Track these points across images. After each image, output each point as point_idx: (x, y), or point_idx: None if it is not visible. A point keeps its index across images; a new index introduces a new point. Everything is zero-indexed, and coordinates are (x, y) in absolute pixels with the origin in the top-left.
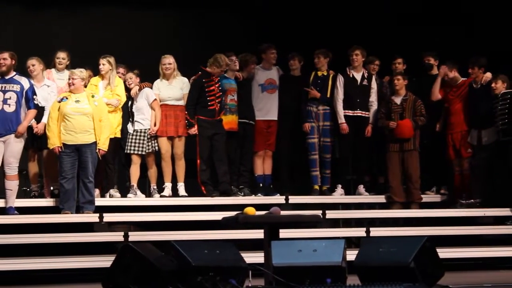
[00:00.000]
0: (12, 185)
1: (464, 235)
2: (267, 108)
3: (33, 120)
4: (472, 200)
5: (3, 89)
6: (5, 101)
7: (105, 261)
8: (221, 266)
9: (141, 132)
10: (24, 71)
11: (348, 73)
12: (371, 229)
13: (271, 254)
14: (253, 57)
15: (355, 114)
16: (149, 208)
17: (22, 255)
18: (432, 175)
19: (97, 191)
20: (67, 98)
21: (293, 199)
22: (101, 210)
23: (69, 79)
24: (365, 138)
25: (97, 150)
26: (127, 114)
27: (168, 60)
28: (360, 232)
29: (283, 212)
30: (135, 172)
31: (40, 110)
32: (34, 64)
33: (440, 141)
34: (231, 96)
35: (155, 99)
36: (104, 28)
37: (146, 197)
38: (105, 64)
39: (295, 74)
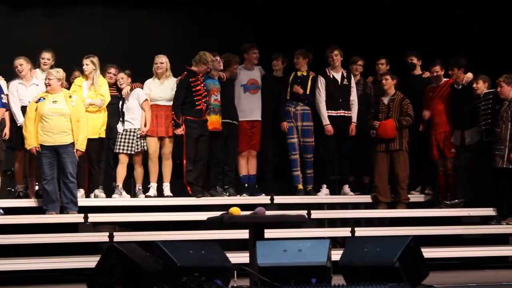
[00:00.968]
0: None
1: (449, 235)
2: (250, 109)
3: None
4: (457, 200)
5: None
6: None
7: (90, 262)
8: (206, 266)
9: (131, 131)
10: (11, 71)
11: (328, 73)
12: (356, 229)
13: (256, 254)
14: (236, 57)
15: (338, 114)
16: (134, 209)
17: (6, 255)
18: (417, 175)
19: (82, 192)
20: (44, 99)
21: (278, 199)
22: (86, 210)
23: (46, 79)
24: (349, 138)
25: (75, 151)
26: (118, 114)
27: (160, 60)
28: (345, 232)
29: (268, 212)
30: (121, 172)
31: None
32: (22, 63)
33: (424, 141)
34: (214, 96)
35: (146, 100)
36: (94, 28)
37: (131, 197)
38: (88, 64)
39: (277, 75)
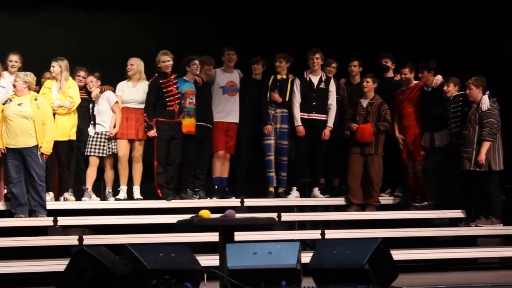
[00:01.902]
0: None
1: (418, 237)
2: (227, 111)
3: None
4: (426, 203)
5: None
6: None
7: (59, 265)
8: (176, 269)
9: (102, 134)
10: None
11: (305, 76)
12: (326, 231)
13: (226, 257)
14: (211, 59)
15: (310, 117)
16: (104, 212)
17: None
18: (387, 177)
19: (51, 195)
20: (11, 101)
21: (249, 202)
22: (55, 213)
23: (14, 81)
24: (321, 141)
25: (40, 154)
26: (88, 117)
27: (131, 62)
28: (315, 234)
29: (238, 215)
30: (91, 174)
31: None
32: None
33: (394, 143)
34: (189, 99)
35: (117, 102)
36: (64, 30)
37: (101, 200)
38: (55, 66)
39: (256, 78)
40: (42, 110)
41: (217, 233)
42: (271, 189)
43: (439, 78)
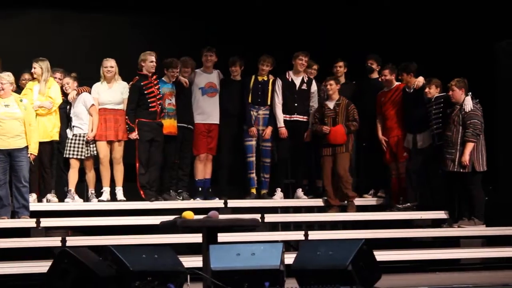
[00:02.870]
0: None
1: (401, 238)
2: (208, 112)
3: None
4: (409, 204)
5: None
6: None
7: (42, 267)
8: (159, 271)
9: (79, 136)
10: None
11: (287, 77)
12: (309, 232)
13: (210, 258)
14: (188, 61)
15: (292, 119)
16: (87, 213)
17: None
18: (370, 178)
19: (34, 196)
20: None
21: (232, 203)
22: (38, 215)
23: None
24: (303, 142)
25: (29, 155)
26: (65, 119)
27: (110, 63)
28: (298, 235)
29: (221, 216)
30: (73, 176)
31: None
32: None
33: (377, 144)
34: (168, 100)
35: (93, 104)
36: (41, 31)
37: (84, 201)
38: (36, 67)
39: (236, 79)
40: (28, 111)
41: (201, 234)
42: (253, 190)
43: (420, 80)
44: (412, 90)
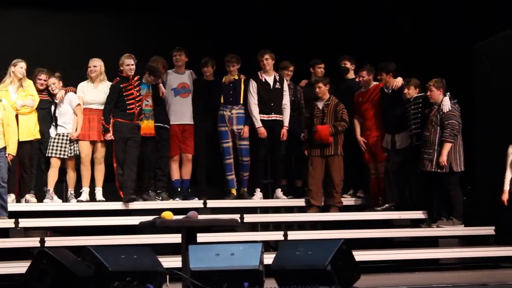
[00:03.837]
0: None
1: (380, 238)
2: (181, 112)
3: None
4: (387, 205)
5: None
6: None
7: (20, 267)
8: (138, 271)
9: (63, 136)
10: None
11: (260, 77)
12: (288, 232)
13: (189, 258)
14: (159, 60)
15: (270, 118)
16: (66, 213)
17: None
18: (349, 178)
19: (12, 196)
20: None
21: (211, 203)
22: (17, 215)
23: None
24: (281, 142)
25: (7, 155)
26: (49, 118)
27: (94, 63)
28: (278, 235)
29: (201, 216)
30: (52, 176)
31: None
32: None
33: (357, 144)
34: (146, 101)
35: (79, 104)
36: (20, 32)
37: (63, 202)
38: (22, 67)
39: (208, 79)
40: (7, 111)
41: (180, 235)
42: (233, 191)
43: (399, 80)
44: (390, 91)
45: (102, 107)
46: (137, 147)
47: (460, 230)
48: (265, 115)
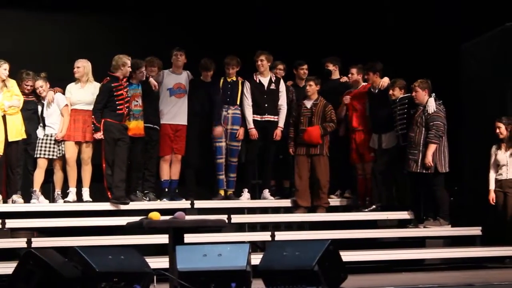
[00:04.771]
0: None
1: (367, 238)
2: (174, 112)
3: None
4: (374, 206)
5: None
6: None
7: (7, 268)
8: (125, 272)
9: (51, 136)
10: None
11: (255, 78)
12: (276, 233)
13: (176, 259)
14: (155, 61)
15: (263, 119)
16: (53, 214)
17: None
18: (336, 178)
19: None
20: None
21: (199, 204)
22: (4, 216)
23: None
24: (273, 143)
25: None
26: (35, 119)
27: (78, 64)
28: (265, 236)
29: (188, 217)
30: (39, 177)
31: None
32: None
33: (344, 145)
34: (135, 102)
35: (66, 105)
36: (7, 32)
37: (50, 202)
38: (6, 68)
39: (206, 80)
40: None
41: (167, 235)
42: (221, 191)
43: (386, 80)
44: (377, 91)
45: (87, 108)
46: (127, 148)
47: (446, 230)
48: (258, 116)
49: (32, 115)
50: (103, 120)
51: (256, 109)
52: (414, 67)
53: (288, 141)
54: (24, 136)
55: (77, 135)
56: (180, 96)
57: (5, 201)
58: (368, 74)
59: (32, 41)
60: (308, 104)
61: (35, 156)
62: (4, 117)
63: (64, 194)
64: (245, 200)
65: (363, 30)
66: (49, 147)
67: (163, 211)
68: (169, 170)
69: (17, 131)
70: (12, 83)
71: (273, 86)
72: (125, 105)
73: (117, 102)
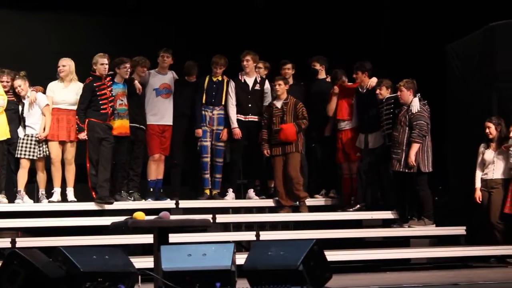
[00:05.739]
0: None
1: (352, 238)
2: (161, 113)
3: None
4: (358, 205)
5: None
6: None
7: None
8: (110, 272)
9: (32, 136)
10: None
11: (240, 78)
12: (260, 232)
13: (161, 259)
14: (145, 61)
15: (247, 119)
16: (37, 214)
17: None
18: (321, 178)
19: None
20: None
21: (184, 204)
22: None
23: None
24: (257, 143)
25: None
26: (16, 119)
27: (63, 62)
28: (250, 236)
29: (173, 217)
30: (22, 177)
31: None
32: None
33: (329, 144)
34: (120, 101)
35: (47, 104)
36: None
37: (34, 202)
38: None
39: (190, 80)
40: None
41: (152, 235)
42: (207, 191)
43: (373, 80)
44: (365, 90)
45: (71, 107)
46: (111, 147)
47: (431, 230)
48: (242, 116)
49: (13, 115)
50: (87, 120)
51: (240, 109)
52: (401, 67)
53: (262, 143)
54: (9, 136)
55: (61, 135)
56: (166, 97)
57: None
58: (357, 73)
59: (11, 40)
60: (279, 104)
61: (16, 156)
62: None
63: (49, 194)
64: (230, 200)
65: (350, 30)
66: (30, 148)
67: (148, 211)
68: (157, 170)
69: (1, 131)
70: None
71: (257, 87)
72: (109, 105)
73: (100, 102)
